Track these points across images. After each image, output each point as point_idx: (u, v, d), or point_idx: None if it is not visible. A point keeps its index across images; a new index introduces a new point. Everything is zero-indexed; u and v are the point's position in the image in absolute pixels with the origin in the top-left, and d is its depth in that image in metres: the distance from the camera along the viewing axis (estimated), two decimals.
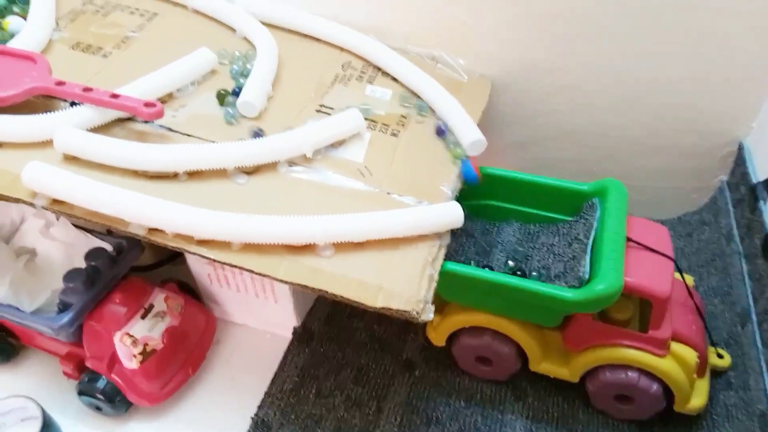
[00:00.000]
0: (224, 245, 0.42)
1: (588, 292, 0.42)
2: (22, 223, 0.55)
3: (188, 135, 0.49)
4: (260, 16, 0.61)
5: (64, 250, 0.53)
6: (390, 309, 0.40)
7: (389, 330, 0.57)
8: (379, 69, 0.60)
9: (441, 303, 0.51)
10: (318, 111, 0.53)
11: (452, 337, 0.51)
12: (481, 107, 0.58)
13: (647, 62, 0.57)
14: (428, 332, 0.53)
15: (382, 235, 0.43)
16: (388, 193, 0.47)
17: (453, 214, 0.45)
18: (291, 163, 0.48)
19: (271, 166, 0.47)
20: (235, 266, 0.41)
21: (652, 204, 0.68)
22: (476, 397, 0.51)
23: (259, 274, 0.41)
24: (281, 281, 0.41)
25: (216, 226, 0.41)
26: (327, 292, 0.40)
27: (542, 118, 0.64)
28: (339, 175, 0.48)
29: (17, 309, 0.49)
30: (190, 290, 0.58)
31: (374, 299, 0.40)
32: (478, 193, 0.54)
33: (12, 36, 0.53)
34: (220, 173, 0.46)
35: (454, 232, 0.53)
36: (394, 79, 0.59)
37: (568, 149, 0.66)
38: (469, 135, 0.52)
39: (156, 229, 0.41)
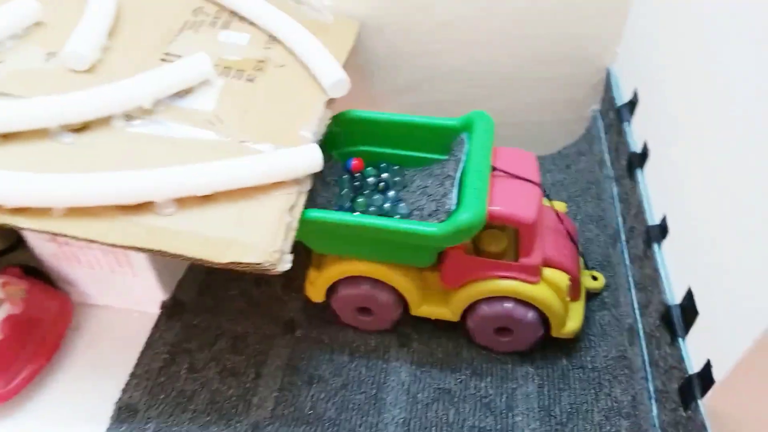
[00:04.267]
0: (43, 212, 0.36)
1: (451, 224, 0.40)
2: None
3: (6, 94, 0.42)
4: None
5: None
6: (240, 263, 0.36)
7: (268, 293, 0.53)
8: (234, 13, 0.55)
9: (318, 257, 0.49)
10: (163, 60, 0.48)
11: (331, 292, 0.49)
12: (346, 48, 0.54)
13: None
14: (306, 289, 0.50)
15: (230, 185, 0.39)
16: (242, 142, 0.43)
17: (309, 158, 0.42)
18: (128, 116, 0.43)
19: (104, 122, 0.42)
20: (56, 233, 0.36)
21: (534, 139, 0.67)
22: (360, 349, 0.49)
23: (85, 240, 0.36)
24: (112, 245, 0.36)
25: (26, 190, 0.35)
26: (166, 252, 0.36)
27: (418, 60, 0.62)
28: (185, 125, 0.43)
29: None
30: (38, 274, 0.51)
31: (221, 255, 0.37)
32: (352, 139, 0.52)
33: None
34: (41, 133, 0.40)
35: (326, 181, 0.50)
36: (252, 24, 0.54)
37: (446, 91, 0.65)
38: (331, 75, 0.48)
39: None
